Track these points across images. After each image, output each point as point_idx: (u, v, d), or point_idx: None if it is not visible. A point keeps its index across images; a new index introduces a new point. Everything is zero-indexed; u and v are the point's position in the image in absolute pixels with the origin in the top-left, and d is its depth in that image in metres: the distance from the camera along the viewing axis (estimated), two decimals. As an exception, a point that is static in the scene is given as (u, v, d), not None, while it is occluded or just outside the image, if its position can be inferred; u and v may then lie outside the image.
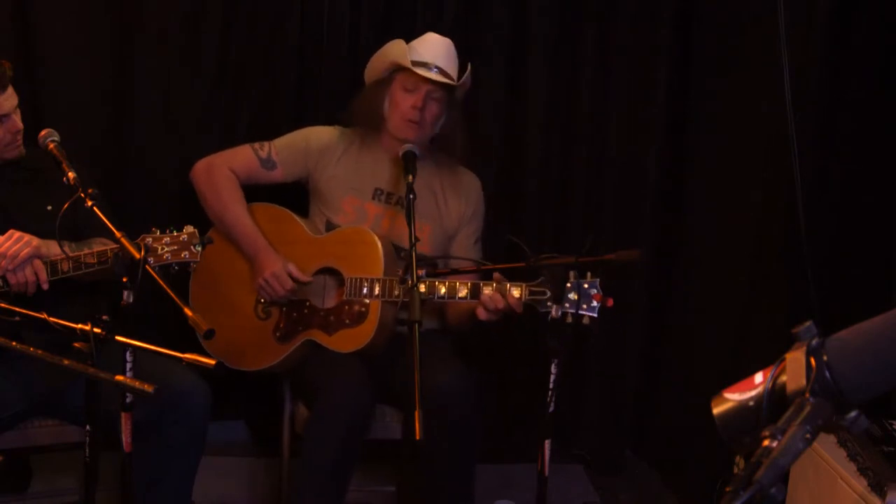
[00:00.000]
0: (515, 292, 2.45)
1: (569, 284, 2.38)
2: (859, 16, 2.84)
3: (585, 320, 2.40)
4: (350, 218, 2.75)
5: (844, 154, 2.90)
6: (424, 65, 2.67)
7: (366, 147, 2.80)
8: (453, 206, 2.83)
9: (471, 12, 3.22)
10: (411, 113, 2.69)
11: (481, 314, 2.49)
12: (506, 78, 3.25)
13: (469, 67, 2.75)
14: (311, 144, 2.80)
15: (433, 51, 2.72)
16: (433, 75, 2.67)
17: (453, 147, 2.80)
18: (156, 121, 3.10)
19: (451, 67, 2.73)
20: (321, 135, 2.84)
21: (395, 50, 2.72)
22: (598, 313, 2.40)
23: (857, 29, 2.85)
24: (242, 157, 2.79)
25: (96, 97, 3.07)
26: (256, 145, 2.80)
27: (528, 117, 3.30)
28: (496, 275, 2.54)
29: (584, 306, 2.39)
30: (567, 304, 2.38)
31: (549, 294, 2.40)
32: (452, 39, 3.11)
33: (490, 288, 2.47)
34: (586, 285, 2.39)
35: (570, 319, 2.39)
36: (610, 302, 2.39)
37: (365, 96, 2.80)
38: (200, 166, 2.78)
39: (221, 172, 2.76)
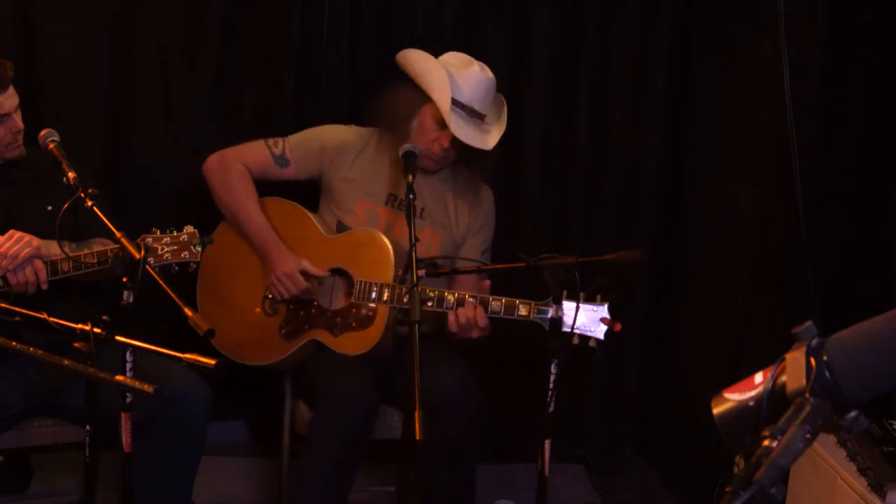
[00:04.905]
0: (523, 310, 2.45)
1: (578, 306, 2.38)
2: (859, 15, 2.84)
3: (591, 343, 2.41)
4: (361, 221, 2.74)
5: (844, 154, 2.90)
6: (462, 106, 2.63)
7: (382, 150, 2.76)
8: (462, 215, 2.82)
9: (471, 12, 3.22)
10: (436, 149, 2.66)
11: (452, 326, 2.50)
12: (505, 78, 3.24)
13: (504, 116, 2.75)
14: (326, 144, 2.78)
15: (473, 91, 2.64)
16: (465, 133, 2.62)
17: (474, 162, 2.77)
18: (156, 121, 3.10)
19: (486, 108, 2.70)
20: (337, 134, 2.81)
21: (439, 82, 2.62)
22: (606, 337, 2.40)
23: (857, 29, 2.85)
24: (256, 153, 2.76)
25: (96, 97, 3.07)
26: (270, 141, 2.77)
27: (527, 117, 3.30)
28: (486, 283, 2.54)
29: (592, 329, 2.39)
30: (575, 327, 2.39)
31: (551, 311, 2.39)
32: (452, 39, 3.13)
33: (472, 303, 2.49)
34: (595, 309, 2.39)
35: (576, 341, 2.40)
36: (618, 327, 2.40)
37: (394, 102, 2.72)
38: (213, 160, 2.76)
39: (234, 167, 2.74)
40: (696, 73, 3.32)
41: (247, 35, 3.14)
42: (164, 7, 3.05)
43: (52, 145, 2.32)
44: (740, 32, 3.14)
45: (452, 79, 2.63)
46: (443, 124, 2.62)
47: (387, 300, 2.59)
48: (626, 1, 3.28)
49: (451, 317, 2.49)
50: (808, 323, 1.10)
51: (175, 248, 2.26)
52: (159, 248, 2.25)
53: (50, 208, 2.42)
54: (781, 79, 2.80)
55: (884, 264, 2.81)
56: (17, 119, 2.42)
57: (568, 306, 2.39)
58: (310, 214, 2.77)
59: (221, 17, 3.09)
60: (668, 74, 3.32)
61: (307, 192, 2.85)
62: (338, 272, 2.71)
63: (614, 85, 3.34)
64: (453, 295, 2.50)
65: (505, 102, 2.80)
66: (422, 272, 2.45)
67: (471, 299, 2.49)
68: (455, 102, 2.62)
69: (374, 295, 2.60)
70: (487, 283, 2.56)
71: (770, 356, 1.11)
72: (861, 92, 2.87)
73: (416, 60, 2.70)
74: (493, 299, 2.48)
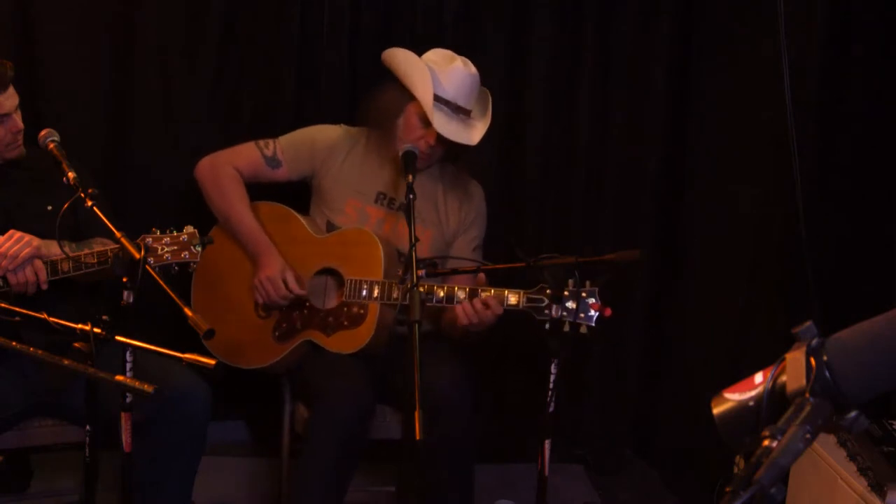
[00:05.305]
0: (512, 299, 2.44)
1: (567, 292, 2.37)
2: (859, 15, 2.84)
3: (583, 329, 2.38)
4: (351, 220, 2.74)
5: (844, 154, 2.91)
6: (446, 102, 2.63)
7: (372, 149, 2.77)
8: (453, 211, 2.83)
9: (471, 12, 3.22)
10: (422, 146, 2.66)
11: (462, 320, 2.48)
12: (505, 77, 3.25)
13: (489, 111, 2.74)
14: (316, 143, 2.79)
15: (456, 87, 2.64)
16: (449, 129, 2.62)
17: (462, 158, 2.77)
18: (156, 121, 3.10)
19: (472, 103, 2.70)
20: (327, 134, 2.82)
21: (421, 80, 2.63)
22: (596, 323, 2.38)
23: (857, 29, 2.85)
24: (247, 155, 2.77)
25: (96, 97, 3.07)
26: (261, 143, 2.78)
27: (527, 117, 3.30)
28: (481, 276, 2.53)
29: (582, 315, 2.37)
30: (565, 313, 2.37)
31: (546, 301, 2.39)
32: (452, 39, 3.13)
33: (477, 294, 2.46)
34: (585, 294, 2.37)
35: (567, 328, 2.38)
36: (608, 312, 2.37)
37: (381, 100, 2.74)
38: (205, 164, 2.77)
39: (226, 171, 2.75)
40: (696, 73, 3.31)
41: (247, 35, 3.13)
42: (164, 7, 3.05)
43: (52, 145, 2.32)
44: (740, 32, 3.14)
45: (435, 76, 2.63)
46: (427, 122, 2.63)
47: (377, 297, 2.59)
48: (626, 1, 3.28)
49: (461, 311, 2.47)
50: (808, 323, 1.10)
51: (175, 248, 2.26)
52: (159, 248, 2.25)
53: (50, 208, 2.42)
54: (781, 79, 2.80)
55: (884, 264, 2.81)
56: (17, 119, 2.42)
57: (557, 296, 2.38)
58: (300, 216, 2.77)
59: (221, 17, 3.09)
60: (668, 74, 3.31)
61: (299, 194, 2.85)
62: (329, 272, 2.71)
63: (614, 85, 3.34)
64: (443, 289, 2.50)
65: (490, 96, 2.79)
66: (422, 272, 2.45)
67: (460, 292, 2.49)
68: (439, 99, 2.62)
69: (364, 292, 2.60)
70: (482, 276, 2.56)
71: (770, 356, 1.11)
72: (861, 92, 2.87)
73: (401, 59, 2.71)
74: (482, 290, 2.48)
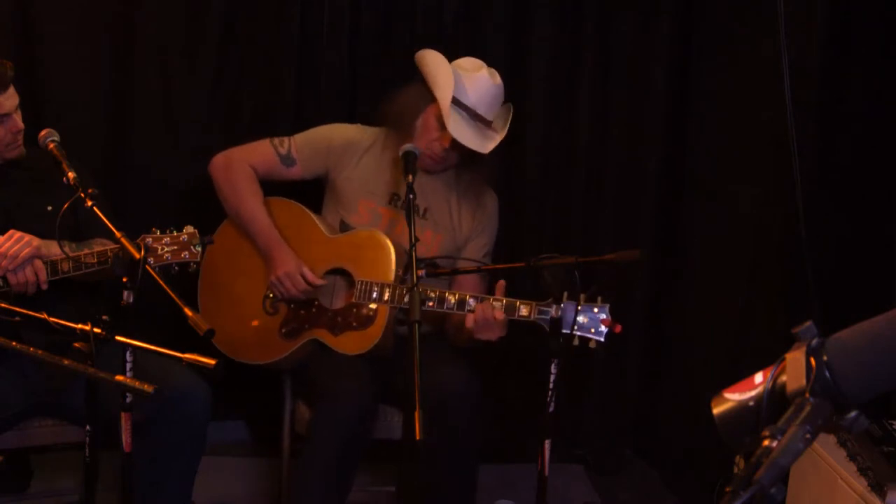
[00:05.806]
0: (524, 310, 2.44)
1: (579, 307, 2.36)
2: (859, 15, 2.84)
3: (592, 344, 2.38)
4: (364, 220, 2.74)
5: (844, 154, 2.90)
6: (466, 108, 2.63)
7: (388, 150, 2.76)
8: (466, 219, 2.82)
9: (470, 12, 3.22)
10: (437, 148, 2.67)
11: (468, 323, 2.47)
12: (505, 77, 3.23)
13: (507, 125, 2.73)
14: (332, 143, 2.78)
15: (479, 94, 2.64)
16: (464, 134, 2.62)
17: (477, 166, 2.76)
18: (156, 121, 3.10)
19: (492, 113, 2.70)
20: (343, 133, 2.82)
21: (444, 82, 2.63)
22: (606, 338, 2.37)
23: (857, 29, 2.85)
24: (261, 153, 2.77)
25: (96, 97, 3.07)
26: (276, 141, 2.78)
27: (527, 117, 3.30)
28: (501, 282, 2.52)
29: (592, 330, 2.37)
30: (575, 328, 2.36)
31: (552, 311, 2.39)
32: (452, 39, 3.13)
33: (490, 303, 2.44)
34: (596, 310, 2.37)
35: (576, 342, 2.37)
36: (619, 328, 2.37)
37: (402, 100, 2.74)
38: (219, 160, 2.77)
39: (240, 167, 2.74)
40: (696, 73, 3.31)
41: (247, 35, 3.14)
42: (164, 7, 3.06)
43: (52, 145, 2.32)
44: (740, 32, 3.14)
45: (459, 80, 2.63)
46: (445, 125, 2.62)
47: (387, 300, 2.59)
48: (626, 1, 3.28)
49: (470, 318, 2.47)
50: (808, 323, 1.10)
51: (175, 248, 2.27)
52: (159, 248, 2.26)
53: (50, 208, 2.42)
54: (781, 79, 2.80)
55: (884, 264, 2.81)
56: (17, 119, 2.42)
57: (569, 307, 2.38)
58: (313, 215, 2.77)
59: (221, 17, 3.10)
60: (668, 74, 3.31)
61: (312, 192, 2.85)
62: (339, 272, 2.71)
63: (614, 85, 3.34)
64: (454, 296, 2.50)
65: (511, 111, 2.79)
66: (422, 272, 2.44)
67: (471, 300, 2.48)
68: (459, 104, 2.62)
69: (374, 295, 2.60)
70: (502, 283, 2.51)
71: (770, 356, 1.11)
72: (861, 92, 2.87)
73: (428, 60, 2.71)
74: (494, 299, 2.47)
